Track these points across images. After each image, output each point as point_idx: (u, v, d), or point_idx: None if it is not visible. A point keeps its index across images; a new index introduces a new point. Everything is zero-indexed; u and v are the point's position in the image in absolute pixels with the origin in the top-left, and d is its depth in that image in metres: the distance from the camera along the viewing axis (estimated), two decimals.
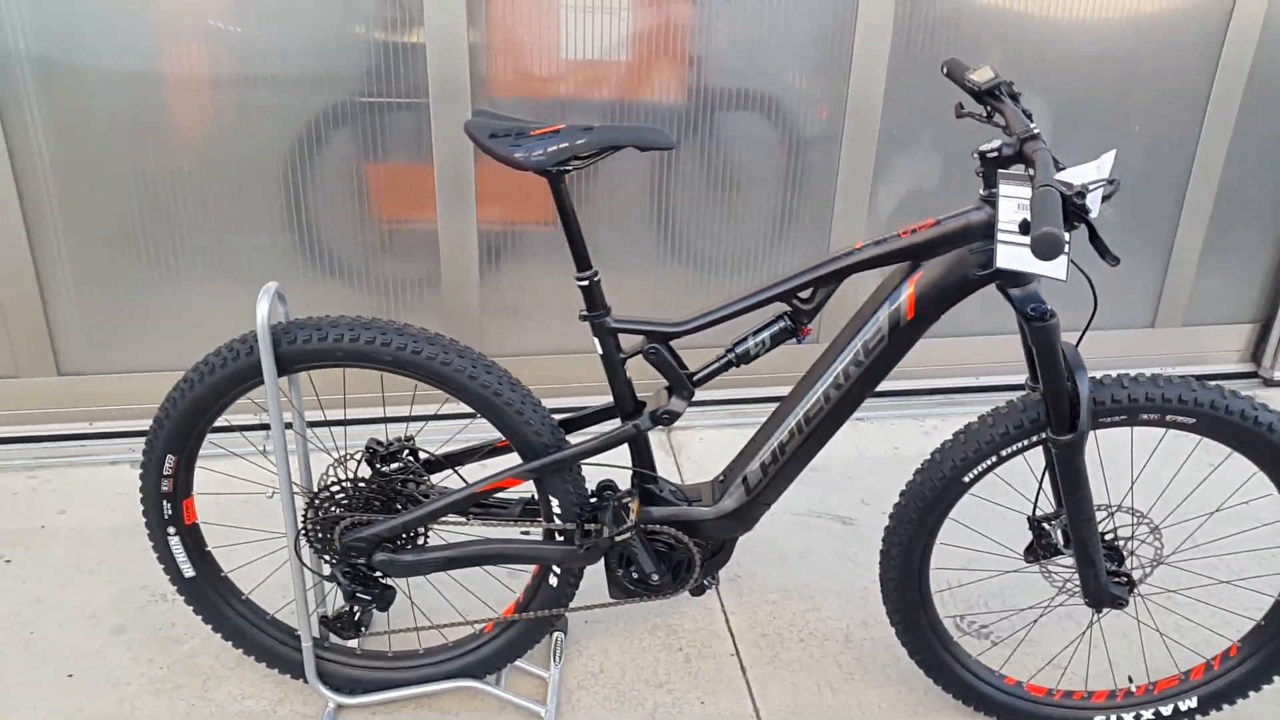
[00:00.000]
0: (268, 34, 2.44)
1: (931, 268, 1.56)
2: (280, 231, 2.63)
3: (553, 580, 1.83)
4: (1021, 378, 3.16)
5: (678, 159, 2.76)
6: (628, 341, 1.67)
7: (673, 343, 1.65)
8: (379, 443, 1.78)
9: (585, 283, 1.60)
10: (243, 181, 2.57)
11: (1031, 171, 1.41)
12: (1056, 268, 1.45)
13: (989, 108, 1.60)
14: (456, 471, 1.82)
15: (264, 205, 2.60)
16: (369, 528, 1.72)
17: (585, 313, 1.63)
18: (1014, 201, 1.46)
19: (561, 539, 1.77)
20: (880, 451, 2.88)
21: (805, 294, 1.60)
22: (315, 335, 1.64)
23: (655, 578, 1.75)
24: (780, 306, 1.62)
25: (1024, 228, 1.36)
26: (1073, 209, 1.32)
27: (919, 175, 2.93)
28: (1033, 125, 1.46)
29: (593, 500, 1.78)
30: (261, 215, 2.61)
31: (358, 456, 1.78)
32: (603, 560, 1.77)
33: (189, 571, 1.85)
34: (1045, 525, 1.82)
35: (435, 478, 1.81)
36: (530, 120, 1.53)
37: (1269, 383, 3.29)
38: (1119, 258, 1.36)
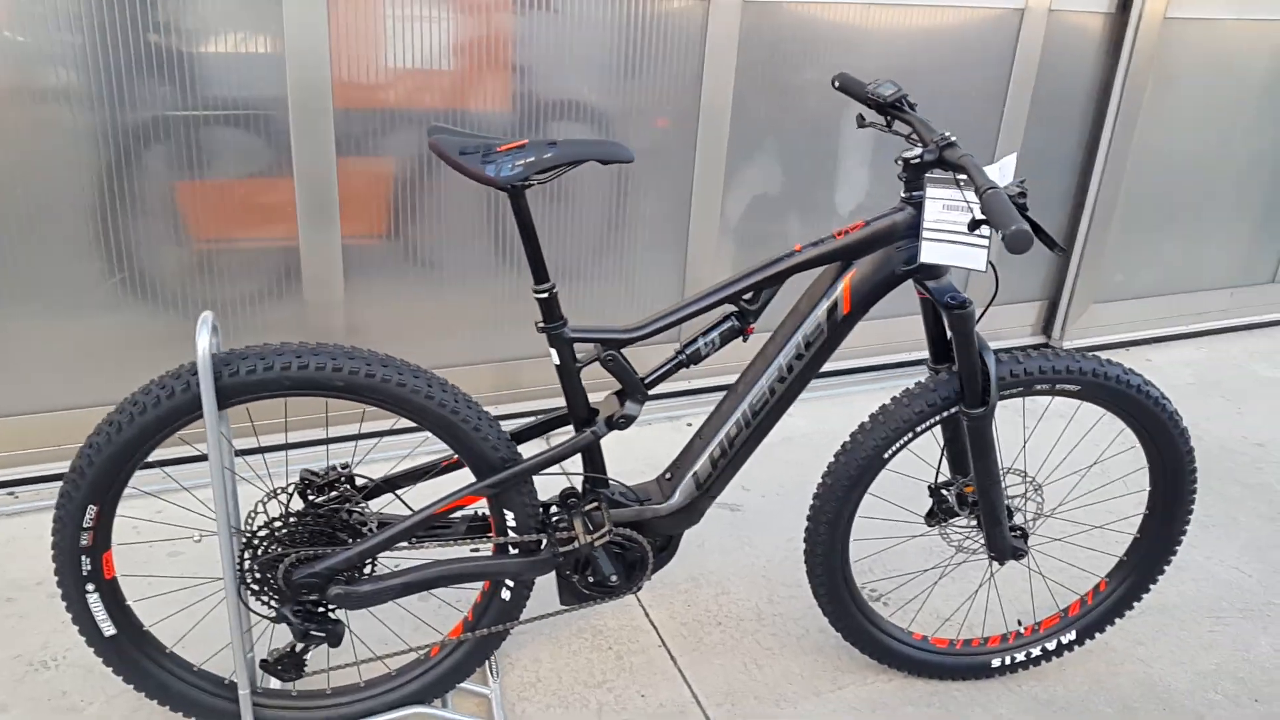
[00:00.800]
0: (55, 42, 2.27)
1: (863, 265, 1.70)
2: (90, 259, 2.44)
3: (505, 594, 1.83)
4: (865, 360, 3.42)
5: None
6: (580, 351, 1.70)
7: (625, 350, 1.70)
8: (313, 473, 1.72)
9: (544, 294, 1.63)
10: (50, 204, 2.37)
11: (959, 177, 1.57)
12: (977, 260, 1.62)
13: (889, 118, 1.76)
14: (398, 496, 1.79)
15: (73, 229, 2.40)
16: (320, 562, 1.67)
17: (543, 324, 1.65)
18: (939, 202, 1.62)
19: (519, 551, 1.78)
20: None
21: (749, 295, 1.70)
22: (260, 365, 1.57)
23: (614, 579, 1.79)
24: (727, 308, 1.71)
25: (974, 225, 1.51)
26: (1016, 206, 1.49)
27: (766, 181, 3.11)
28: (948, 133, 1.63)
29: (554, 509, 1.80)
30: (70, 240, 2.41)
31: (289, 489, 1.71)
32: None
33: (109, 630, 1.71)
34: (944, 491, 2.01)
35: (374, 504, 1.77)
36: (493, 137, 1.54)
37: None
38: (1065, 248, 1.55)
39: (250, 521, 1.67)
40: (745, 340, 1.72)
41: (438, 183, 2.69)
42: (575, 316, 2.99)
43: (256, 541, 1.69)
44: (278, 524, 1.68)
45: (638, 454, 2.89)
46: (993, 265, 1.78)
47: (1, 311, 2.38)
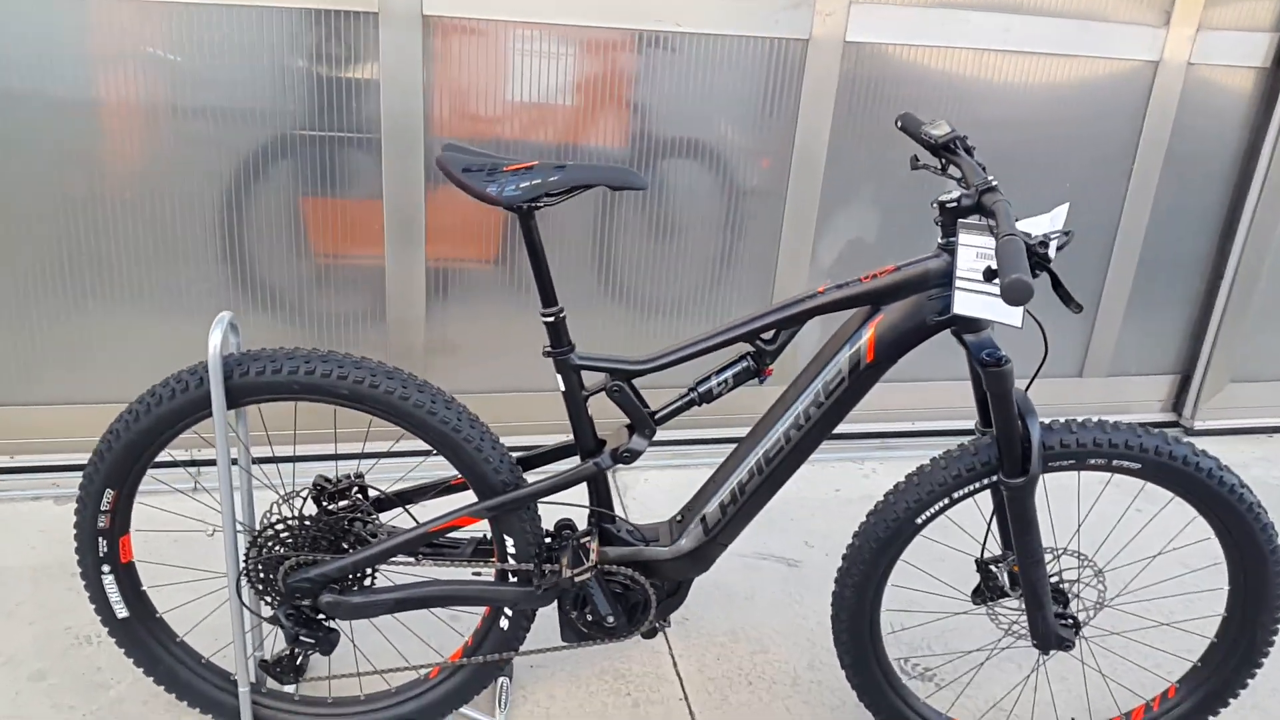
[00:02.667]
0: (211, 64, 2.41)
1: (891, 312, 1.59)
2: (217, 264, 2.57)
3: (504, 623, 1.79)
4: (959, 423, 3.23)
5: (620, 200, 2.78)
6: (590, 379, 1.66)
7: (635, 381, 1.65)
8: (327, 479, 1.74)
9: (551, 319, 1.60)
10: (180, 212, 2.51)
11: (991, 222, 1.45)
12: (1012, 315, 1.49)
13: (944, 160, 1.65)
14: (407, 510, 1.79)
15: (202, 237, 2.54)
16: (315, 568, 1.67)
17: (549, 349, 1.62)
18: (973, 250, 1.50)
19: (517, 580, 1.74)
20: (822, 494, 2.90)
21: (768, 335, 1.62)
22: (269, 367, 1.60)
23: (611, 619, 1.73)
24: (743, 347, 1.63)
25: (989, 275, 1.39)
26: (1035, 257, 1.36)
27: (860, 228, 3.00)
28: (990, 178, 1.51)
29: (549, 540, 1.76)
30: (199, 248, 2.55)
31: (304, 494, 1.74)
32: (555, 602, 1.75)
33: (122, 612, 1.77)
34: (993, 567, 1.85)
35: (385, 516, 1.77)
36: (501, 156, 1.53)
37: (1190, 431, 3.41)
38: (1082, 305, 1.41)
39: (263, 521, 1.70)
40: (762, 382, 1.64)
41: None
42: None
43: (262, 541, 1.71)
44: (283, 527, 1.70)
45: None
46: (1039, 324, 1.64)
47: (123, 307, 2.54)
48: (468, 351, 2.82)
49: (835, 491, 2.92)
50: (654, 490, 2.84)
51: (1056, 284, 1.40)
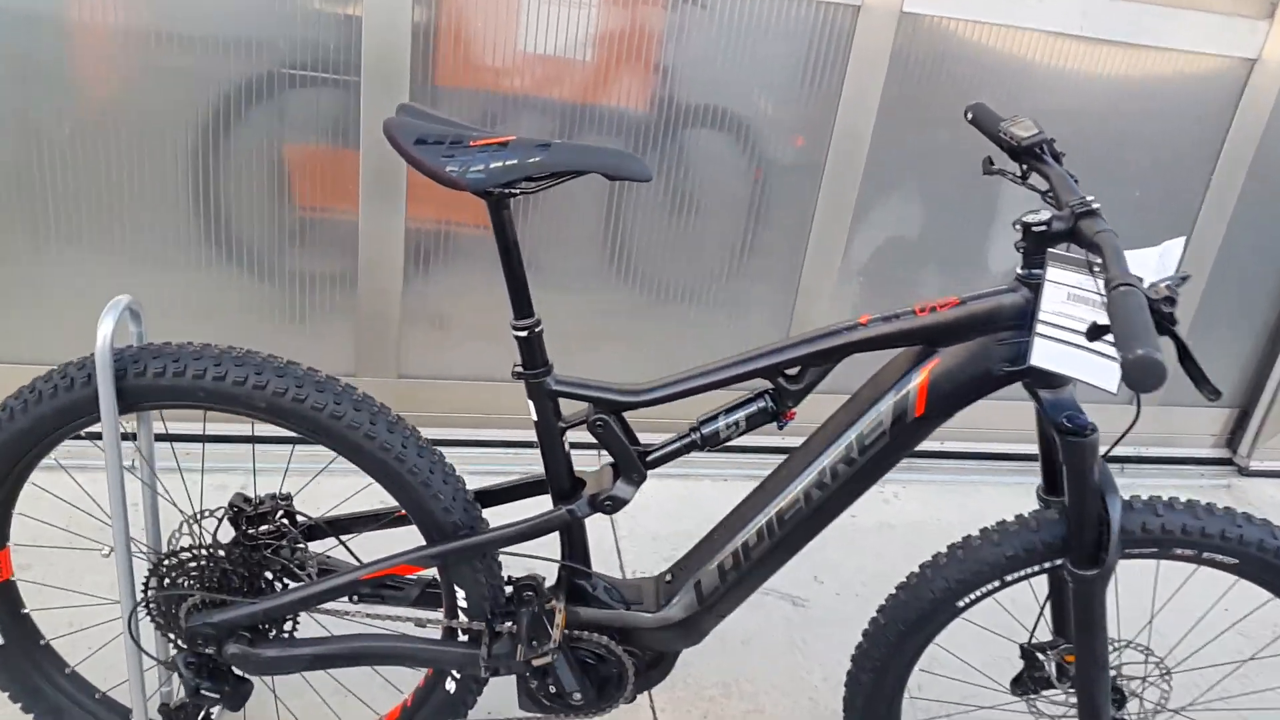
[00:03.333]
0: None
1: (949, 356, 1.27)
2: (183, 208, 2.25)
3: (450, 685, 1.50)
4: (996, 446, 2.92)
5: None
6: (570, 407, 1.35)
7: (626, 414, 1.34)
8: (246, 499, 1.44)
9: (524, 333, 1.28)
10: (147, 148, 2.19)
11: (1092, 258, 1.13)
12: (1108, 377, 1.17)
13: (1026, 167, 1.33)
14: (342, 541, 1.48)
15: (167, 176, 2.22)
16: (219, 612, 1.38)
17: (521, 369, 1.31)
18: (1063, 289, 1.18)
19: (466, 639, 1.44)
20: (835, 521, 2.59)
21: (793, 371, 1.30)
22: (170, 368, 1.29)
23: (577, 696, 1.43)
24: (761, 383, 1.32)
25: (1095, 333, 1.07)
26: (1157, 316, 1.03)
27: (902, 222, 2.66)
28: (1088, 198, 1.18)
29: (509, 591, 1.46)
30: (164, 188, 2.23)
31: (219, 515, 1.43)
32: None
33: None
34: (1039, 654, 1.55)
35: (318, 546, 1.47)
36: (470, 126, 1.20)
37: (1244, 471, 3.09)
38: (1219, 390, 1.08)
39: (170, 544, 1.41)
40: (781, 428, 1.33)
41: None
42: (655, 341, 2.63)
43: (163, 570, 1.42)
44: (188, 555, 1.41)
45: (697, 516, 2.50)
46: None
47: (65, 248, 2.23)
48: (453, 330, 2.51)
49: (850, 518, 2.61)
50: (648, 508, 2.53)
51: (1185, 357, 1.07)
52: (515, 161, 1.16)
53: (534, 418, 1.33)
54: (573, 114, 2.36)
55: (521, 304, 1.27)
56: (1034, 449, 1.42)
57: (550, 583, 1.46)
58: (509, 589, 1.45)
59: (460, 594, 1.42)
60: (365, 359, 2.47)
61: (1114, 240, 1.09)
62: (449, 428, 2.55)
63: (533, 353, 1.29)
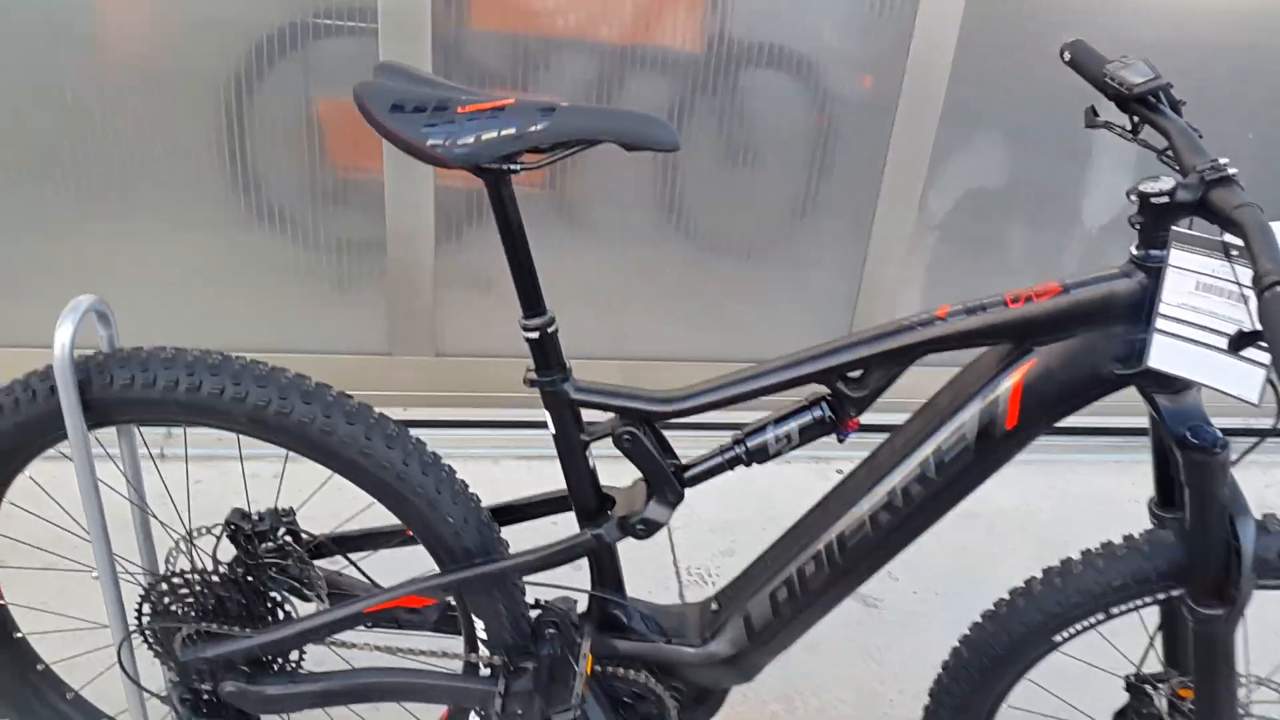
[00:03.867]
0: None
1: (1048, 356, 1.05)
2: (214, 167, 2.11)
3: None
4: (1110, 420, 2.65)
5: (690, 119, 2.22)
6: (594, 415, 1.16)
7: (659, 425, 1.14)
8: (244, 515, 1.29)
9: (534, 333, 1.09)
10: (177, 106, 2.04)
11: (1230, 239, 0.89)
12: (1249, 385, 0.93)
13: (1137, 119, 1.08)
14: (352, 562, 1.33)
15: (198, 136, 2.08)
16: (215, 644, 1.23)
17: (534, 375, 1.12)
18: (1191, 277, 0.94)
19: (488, 672, 1.28)
20: None
21: (855, 374, 1.09)
22: (139, 377, 1.13)
23: None
24: (818, 388, 1.11)
25: (1240, 342, 0.84)
26: None
27: (986, 172, 2.40)
28: (1221, 160, 0.94)
29: (535, 618, 1.29)
30: (194, 148, 2.08)
31: (216, 532, 1.29)
32: None
33: None
34: (1149, 688, 1.33)
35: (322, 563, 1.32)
36: (461, 88, 1.01)
37: None
38: None
39: (168, 564, 1.27)
40: (842, 440, 1.12)
41: None
42: (710, 302, 2.42)
43: (155, 596, 1.28)
44: (179, 580, 1.26)
45: (758, 502, 2.30)
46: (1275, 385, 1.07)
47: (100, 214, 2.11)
48: (494, 301, 2.33)
49: None
50: (706, 491, 2.33)
51: None
52: (513, 131, 0.96)
53: (551, 430, 1.14)
54: (618, 56, 2.14)
55: (530, 298, 1.08)
56: (1136, 422, 1.19)
57: (582, 606, 1.28)
58: (536, 612, 1.29)
59: (479, 624, 1.25)
60: (399, 338, 2.31)
61: (1260, 218, 0.85)
62: (493, 408, 2.39)
63: (546, 355, 1.10)
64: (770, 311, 2.46)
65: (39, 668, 1.42)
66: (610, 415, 1.14)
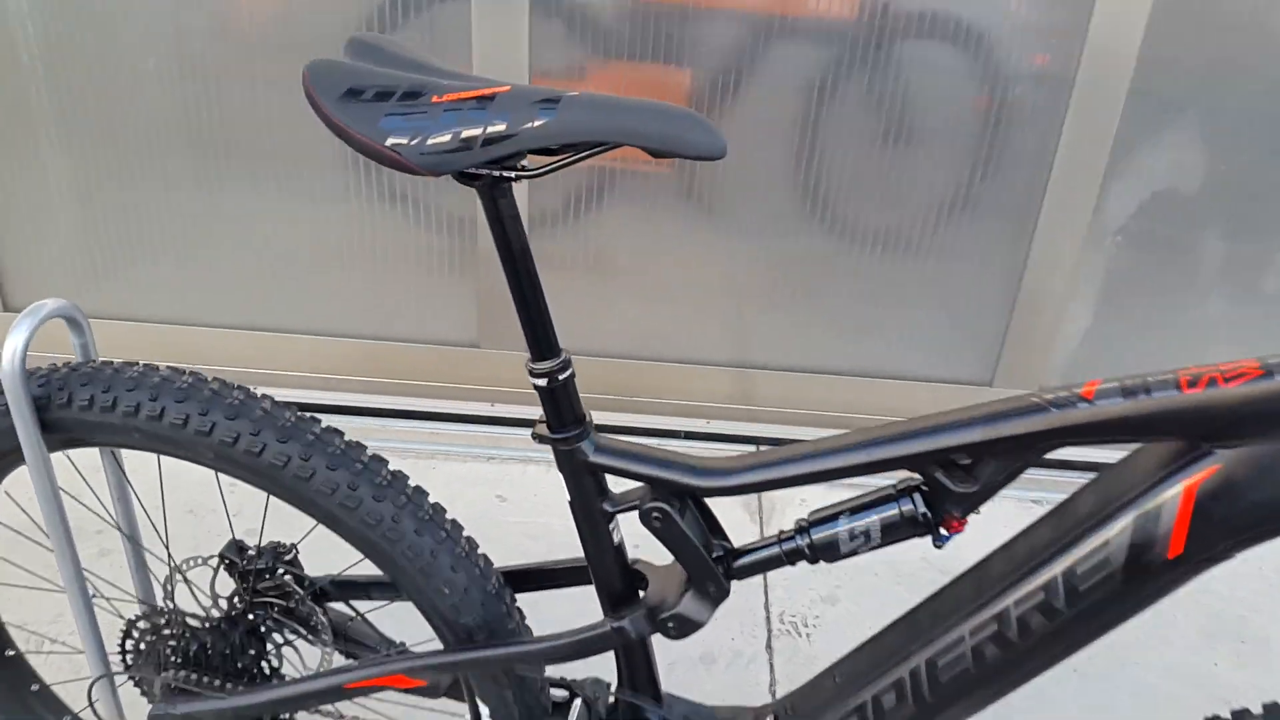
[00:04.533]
0: None
1: (1235, 463, 0.74)
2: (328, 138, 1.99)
3: None
4: None
5: (836, 94, 1.94)
6: (620, 483, 0.93)
7: (698, 500, 0.90)
8: (241, 549, 1.12)
9: (544, 379, 0.86)
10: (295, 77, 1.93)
11: None
12: None
13: None
14: (358, 613, 1.15)
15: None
16: (186, 700, 1.07)
17: (545, 431, 0.90)
18: None
19: None
20: None
21: (965, 460, 0.81)
22: (100, 400, 0.97)
23: None
24: (909, 476, 0.84)
25: None
26: None
27: (1178, 170, 2.01)
28: None
29: (554, 700, 1.07)
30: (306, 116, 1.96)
31: (214, 562, 1.13)
32: None
33: None
34: None
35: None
36: (442, 69, 0.78)
37: None
38: None
39: (164, 596, 1.13)
40: (940, 544, 0.85)
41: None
42: (846, 302, 2.14)
43: (137, 634, 1.14)
44: (162, 619, 1.11)
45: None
46: None
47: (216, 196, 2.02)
48: (617, 289, 2.12)
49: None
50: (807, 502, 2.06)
51: None
52: (502, 128, 0.72)
53: (569, 497, 0.92)
54: (762, 26, 1.88)
55: (540, 337, 0.85)
56: None
57: (612, 685, 1.06)
58: (558, 692, 1.07)
59: (484, 711, 1.05)
60: (489, 333, 2.14)
61: None
62: (604, 411, 2.19)
63: (560, 407, 0.87)
64: (908, 318, 2.16)
65: (34, 688, 1.31)
66: (637, 488, 0.90)
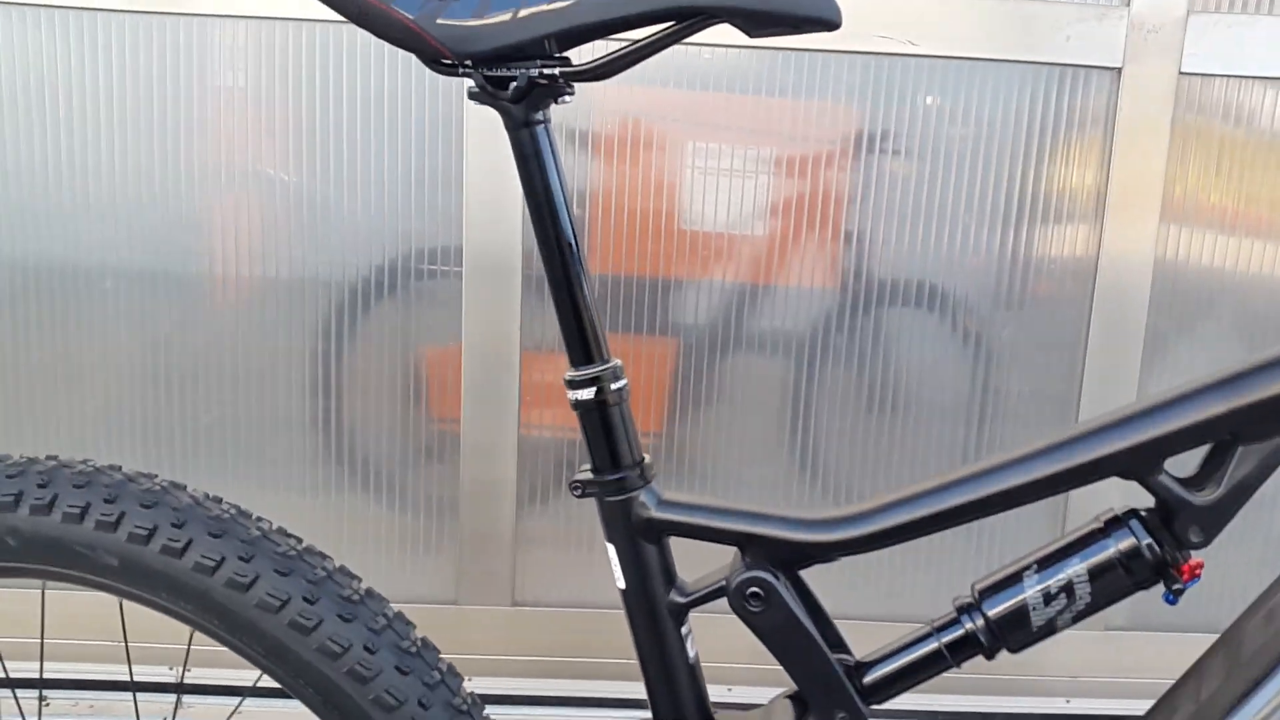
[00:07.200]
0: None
1: None
2: (306, 428, 1.78)
3: None
4: None
5: (822, 363, 1.81)
6: (693, 553, 0.66)
7: (806, 569, 0.63)
8: None
9: (587, 391, 0.63)
10: (268, 364, 1.78)
11: None
12: None
13: None
14: None
15: (288, 396, 1.78)
16: None
17: (588, 474, 0.64)
18: None
19: None
20: None
21: (1205, 450, 0.57)
22: None
23: None
24: (1107, 488, 0.59)
25: None
26: None
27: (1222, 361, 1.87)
28: None
29: None
30: (285, 408, 1.78)
31: None
32: None
33: None
34: None
35: None
36: None
37: None
38: None
39: None
40: (1173, 601, 0.58)
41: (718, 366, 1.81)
42: (853, 569, 1.86)
43: None
44: None
45: None
46: None
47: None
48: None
49: None
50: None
51: None
52: (567, 4, 0.55)
53: (620, 584, 0.64)
54: (736, 295, 1.80)
55: (582, 338, 0.62)
56: None
57: None
58: None
59: None
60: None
61: None
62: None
63: (610, 435, 0.63)
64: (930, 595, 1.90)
65: None
66: (726, 553, 0.63)
